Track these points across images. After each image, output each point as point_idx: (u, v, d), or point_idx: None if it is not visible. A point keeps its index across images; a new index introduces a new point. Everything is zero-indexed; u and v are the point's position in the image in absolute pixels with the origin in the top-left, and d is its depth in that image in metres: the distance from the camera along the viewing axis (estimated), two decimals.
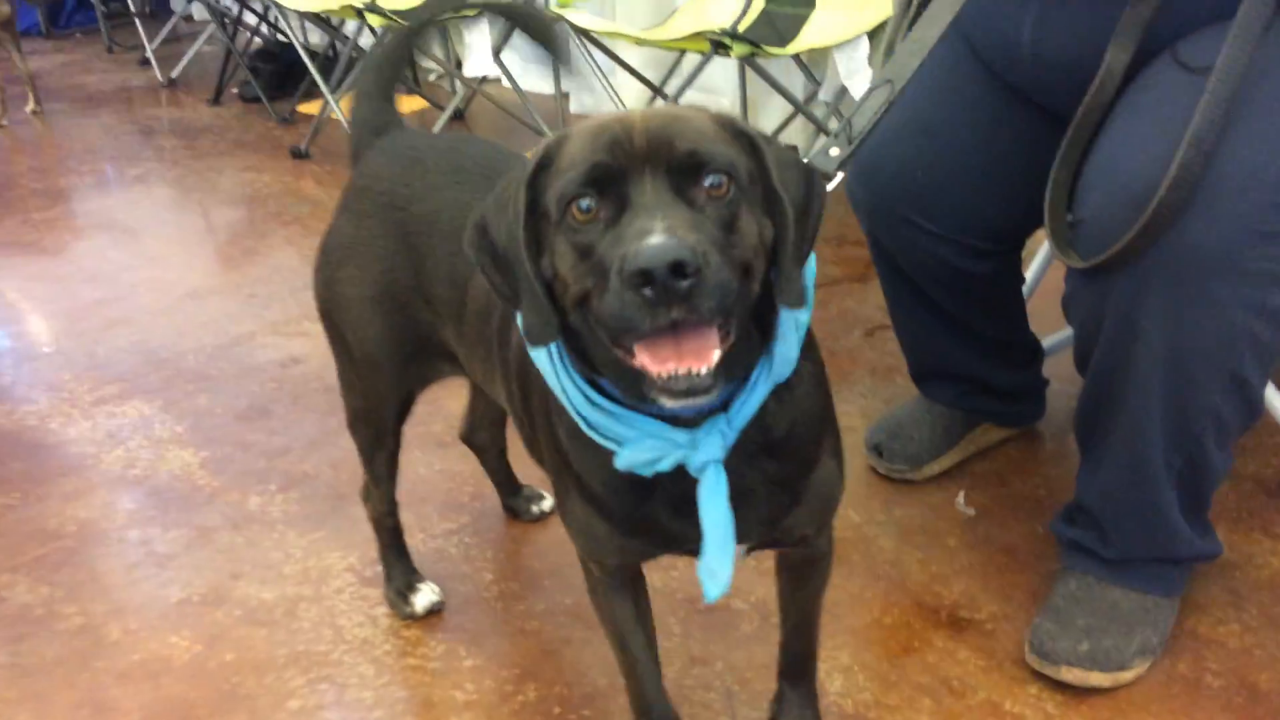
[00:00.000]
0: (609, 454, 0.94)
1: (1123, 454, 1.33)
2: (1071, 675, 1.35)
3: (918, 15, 1.58)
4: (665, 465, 0.91)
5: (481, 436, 1.71)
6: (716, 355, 0.79)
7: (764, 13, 2.82)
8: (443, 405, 2.04)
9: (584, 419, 0.93)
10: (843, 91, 2.71)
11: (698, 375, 0.79)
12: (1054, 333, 2.00)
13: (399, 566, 1.58)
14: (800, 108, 2.86)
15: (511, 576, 1.64)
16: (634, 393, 0.88)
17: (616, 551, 1.07)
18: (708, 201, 0.81)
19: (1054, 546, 1.56)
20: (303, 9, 3.39)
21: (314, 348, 2.37)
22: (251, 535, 1.77)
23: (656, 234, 0.75)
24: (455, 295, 1.24)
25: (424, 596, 1.56)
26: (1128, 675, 1.36)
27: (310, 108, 4.09)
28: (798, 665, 1.29)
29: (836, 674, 1.42)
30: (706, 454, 0.91)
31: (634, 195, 0.80)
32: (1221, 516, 1.62)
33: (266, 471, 1.94)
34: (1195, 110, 1.10)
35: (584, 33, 2.71)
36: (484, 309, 1.18)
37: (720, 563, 0.93)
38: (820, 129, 2.85)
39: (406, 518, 1.61)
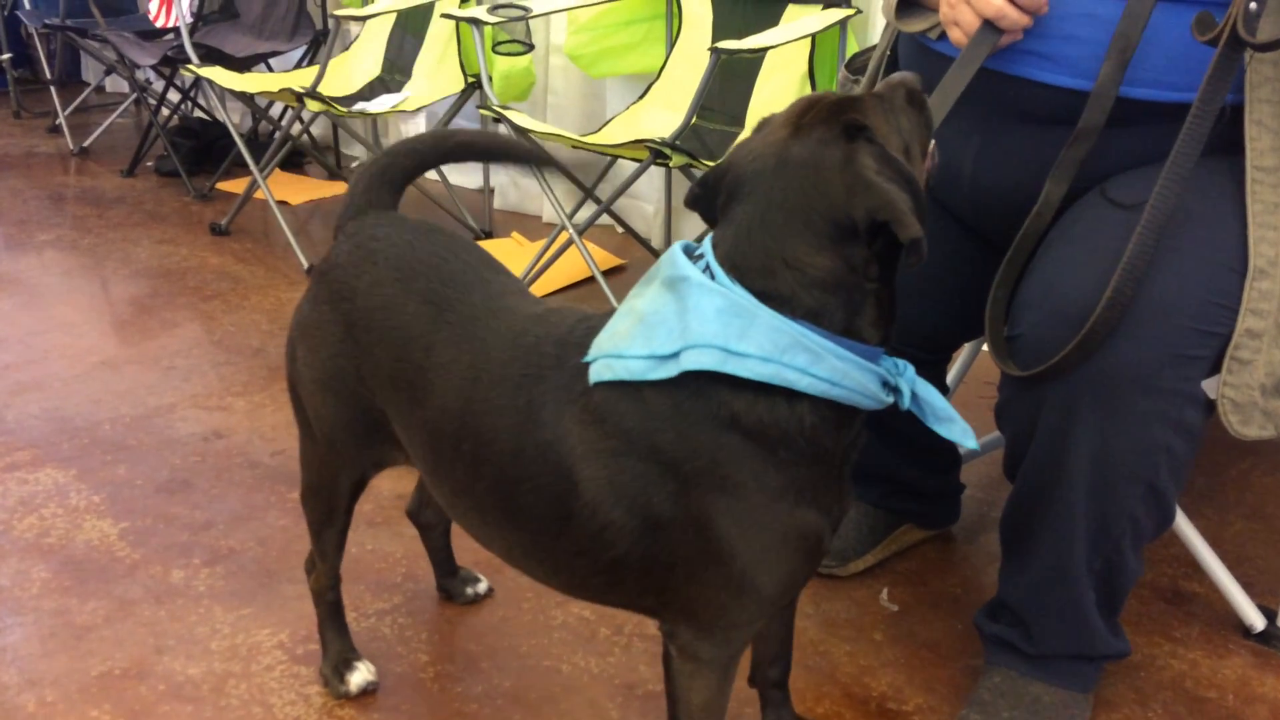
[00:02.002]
0: (824, 460, 1.08)
1: (1048, 555, 1.42)
2: None
3: None
4: (906, 388, 1.10)
5: (429, 514, 1.72)
6: None
7: (694, 128, 2.96)
8: (373, 485, 2.01)
9: (884, 379, 1.08)
10: None
11: None
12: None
13: (337, 643, 1.57)
14: None
15: (448, 658, 1.64)
16: (881, 328, 1.07)
17: (803, 582, 1.18)
18: None
19: (974, 642, 1.64)
20: (239, 89, 3.41)
21: (237, 423, 2.35)
22: (175, 609, 1.73)
23: None
24: (398, 407, 1.25)
25: (359, 675, 1.55)
26: None
27: (231, 185, 4.07)
28: (785, 674, 1.43)
29: None
30: (911, 370, 1.11)
31: None
32: (1125, 621, 1.72)
33: (190, 545, 1.90)
34: (1128, 240, 1.23)
35: (523, 132, 2.80)
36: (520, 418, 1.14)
37: (963, 422, 1.13)
38: None
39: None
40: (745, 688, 1.53)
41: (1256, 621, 1.71)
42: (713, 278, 1.05)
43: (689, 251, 1.10)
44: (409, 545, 1.86)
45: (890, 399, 1.10)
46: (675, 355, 1.04)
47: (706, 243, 1.09)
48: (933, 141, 1.16)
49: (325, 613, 1.56)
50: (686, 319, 1.04)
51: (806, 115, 1.07)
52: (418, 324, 1.23)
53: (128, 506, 2.02)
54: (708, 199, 1.12)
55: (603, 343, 1.10)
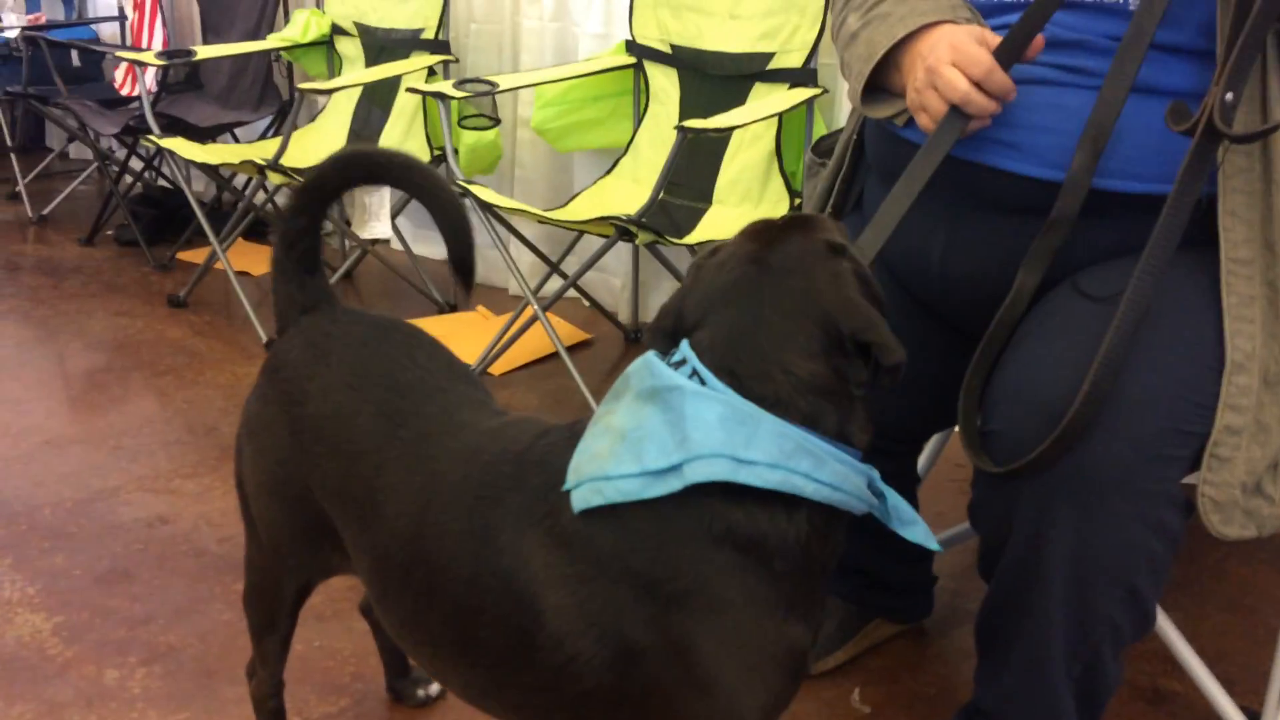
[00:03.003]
0: (810, 571, 1.03)
1: (1025, 660, 1.36)
2: None
3: (836, 216, 1.68)
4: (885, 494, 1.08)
5: None
6: None
7: (661, 204, 2.94)
8: None
9: (872, 488, 1.06)
10: None
11: None
12: (942, 528, 2.07)
13: None
14: None
15: None
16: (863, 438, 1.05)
17: (786, 704, 1.10)
18: None
19: None
20: (200, 160, 3.36)
21: (184, 507, 2.26)
22: (107, 714, 1.63)
23: None
24: (346, 523, 1.18)
25: None
26: None
27: (191, 256, 4.01)
28: None
29: None
30: (876, 474, 1.07)
31: None
32: None
33: (127, 642, 1.80)
34: (1103, 334, 1.19)
35: (489, 207, 2.77)
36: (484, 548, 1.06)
37: (924, 524, 1.12)
38: None
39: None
40: None
41: None
42: (703, 384, 1.00)
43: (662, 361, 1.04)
44: (359, 642, 1.77)
45: (877, 501, 1.07)
46: (674, 469, 0.97)
47: (685, 349, 1.03)
48: None
49: None
50: (685, 429, 0.98)
51: (770, 232, 1.06)
52: (369, 438, 1.16)
53: (63, 599, 1.92)
54: (672, 329, 1.07)
55: (582, 467, 1.02)
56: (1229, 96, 1.16)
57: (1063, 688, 1.35)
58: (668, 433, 0.98)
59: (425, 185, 1.24)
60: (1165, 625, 1.64)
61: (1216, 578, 2.10)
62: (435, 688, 1.69)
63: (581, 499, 1.00)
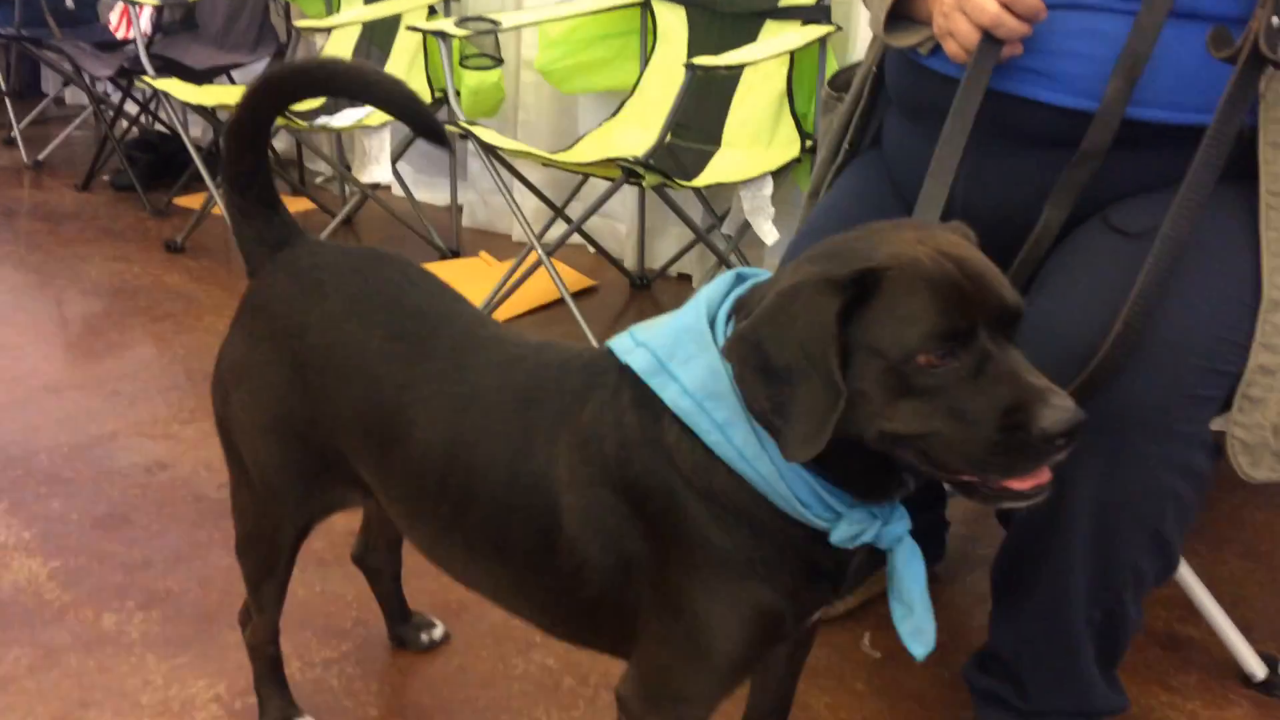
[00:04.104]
0: (790, 549, 0.98)
1: (1044, 606, 1.32)
2: None
3: (845, 164, 1.63)
4: (868, 537, 0.97)
5: (376, 558, 1.60)
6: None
7: (669, 147, 2.87)
8: (327, 520, 1.91)
9: (807, 503, 0.95)
10: (745, 227, 2.76)
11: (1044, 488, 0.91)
12: None
13: (276, 700, 1.45)
14: (703, 237, 2.90)
15: (398, 712, 1.52)
16: (857, 486, 0.96)
17: (755, 658, 1.07)
18: None
19: (961, 693, 1.53)
20: (196, 103, 3.29)
21: (182, 452, 2.22)
22: (105, 659, 1.60)
23: (1058, 396, 0.86)
24: (368, 449, 1.16)
25: None
26: None
27: (188, 201, 3.94)
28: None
29: None
30: (900, 527, 1.00)
31: (984, 352, 0.87)
32: (1120, 669, 1.62)
33: (125, 586, 1.77)
34: (1134, 271, 1.14)
35: (492, 149, 2.70)
36: (498, 458, 1.07)
37: (927, 621, 1.03)
38: (721, 260, 2.89)
39: (284, 644, 1.47)
40: None
41: (1257, 670, 1.62)
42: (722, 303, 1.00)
43: (743, 276, 1.03)
44: (361, 586, 1.74)
45: (820, 524, 0.96)
46: (639, 345, 1.00)
47: (766, 274, 1.01)
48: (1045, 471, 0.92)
49: (263, 668, 1.44)
50: (662, 322, 1.01)
51: (914, 239, 0.92)
52: (387, 362, 1.14)
53: (60, 544, 1.88)
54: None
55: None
56: (1275, 20, 1.10)
57: (1082, 633, 1.32)
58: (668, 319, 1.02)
59: (355, 80, 1.21)
60: (1183, 571, 1.61)
61: (1234, 524, 2.06)
62: (439, 631, 1.66)
63: (617, 346, 1.03)
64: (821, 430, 0.87)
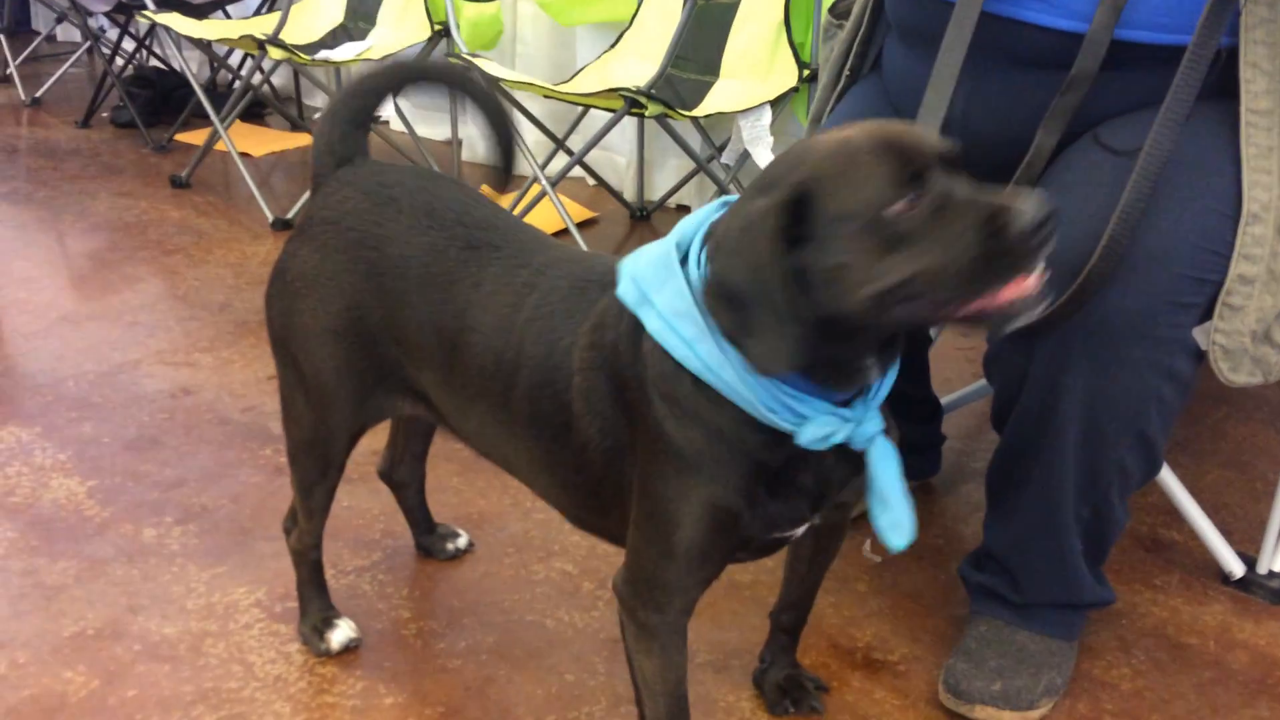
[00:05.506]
0: (742, 453, 1.05)
1: (1036, 505, 1.42)
2: (984, 714, 1.42)
3: (846, 89, 1.68)
4: (838, 438, 1.04)
5: (401, 472, 1.68)
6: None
7: (667, 78, 2.91)
8: None
9: (772, 408, 1.01)
10: (745, 156, 2.81)
11: (1036, 295, 0.95)
12: (949, 392, 2.12)
13: (317, 602, 1.54)
14: (704, 167, 2.95)
15: (429, 614, 1.62)
16: (833, 381, 1.02)
17: (722, 560, 1.15)
18: None
19: (957, 592, 1.64)
20: (197, 37, 3.31)
21: (204, 378, 2.29)
22: (148, 568, 1.69)
23: (1022, 199, 0.91)
24: (440, 344, 1.25)
25: (341, 633, 1.52)
26: (1035, 714, 1.43)
27: (190, 136, 3.97)
28: (799, 624, 1.43)
29: (761, 712, 1.45)
30: (872, 427, 1.07)
31: (943, 187, 0.94)
32: (1107, 569, 1.72)
33: (161, 503, 1.86)
34: (1122, 187, 1.21)
35: (494, 81, 2.74)
36: (511, 365, 1.20)
37: (904, 514, 1.10)
38: (721, 190, 2.94)
39: None
40: (734, 640, 1.53)
41: (1236, 568, 1.72)
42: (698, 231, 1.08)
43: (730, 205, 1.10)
44: (386, 501, 1.83)
45: (785, 426, 1.03)
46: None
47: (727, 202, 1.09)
48: (1028, 280, 0.95)
49: (306, 573, 1.52)
50: (644, 253, 1.09)
51: (857, 135, 0.97)
52: (463, 267, 1.24)
53: (95, 464, 1.97)
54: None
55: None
56: None
57: (1071, 530, 1.41)
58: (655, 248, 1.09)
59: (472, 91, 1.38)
60: (1167, 478, 1.70)
61: (1216, 436, 2.16)
62: (464, 540, 1.75)
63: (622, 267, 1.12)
64: (784, 345, 0.94)
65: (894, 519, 1.10)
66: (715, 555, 1.14)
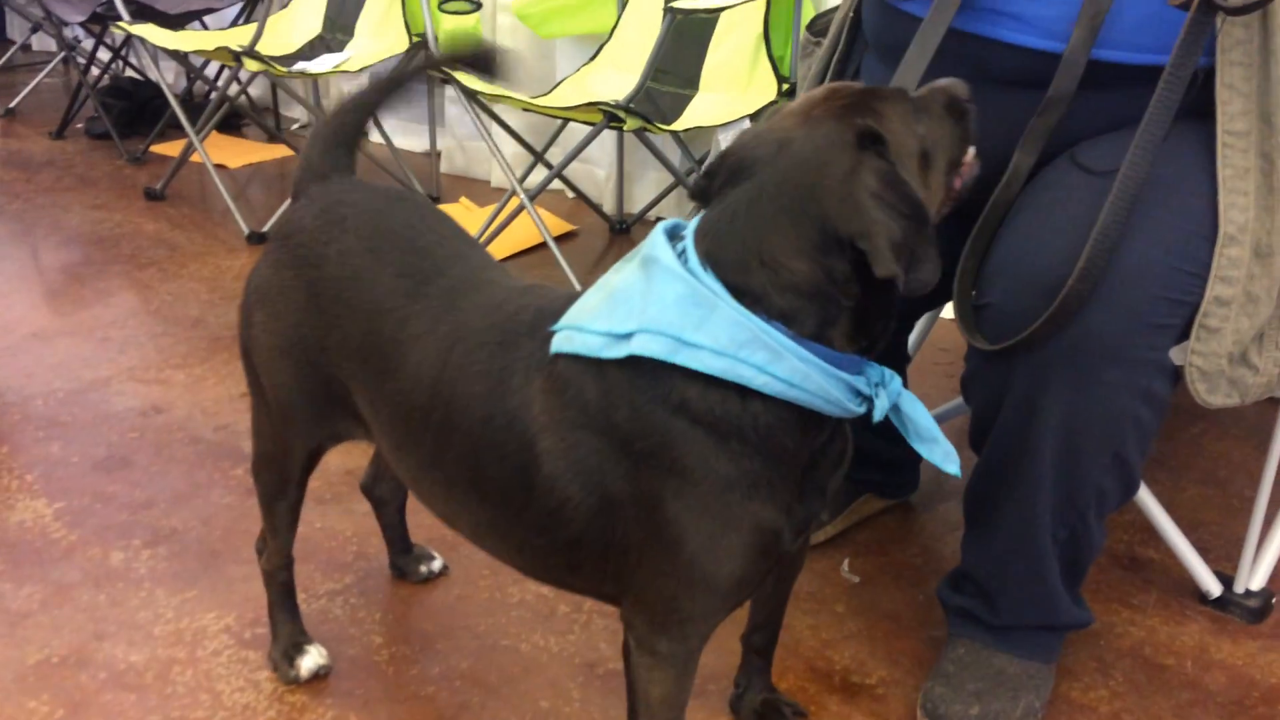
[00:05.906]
0: (794, 463, 1.06)
1: (1013, 526, 1.40)
2: None
3: None
4: (894, 398, 1.10)
5: (383, 489, 1.66)
6: None
7: (647, 91, 2.90)
8: (322, 461, 1.96)
9: (851, 393, 1.04)
10: None
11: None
12: (927, 409, 2.11)
13: (288, 626, 1.51)
14: (683, 180, 2.94)
15: (402, 639, 1.59)
16: (867, 341, 1.05)
17: (760, 583, 1.17)
18: None
19: (936, 613, 1.62)
20: (173, 48, 3.28)
21: (177, 397, 2.26)
22: (115, 593, 1.66)
23: (946, 82, 1.15)
24: (367, 379, 1.21)
25: (310, 659, 1.50)
26: None
27: (165, 148, 3.94)
28: (770, 644, 1.42)
29: None
30: (897, 383, 1.10)
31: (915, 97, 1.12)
32: (1084, 589, 1.71)
33: (129, 525, 1.83)
34: (1099, 208, 1.20)
35: (473, 94, 2.73)
36: (482, 397, 1.12)
37: (950, 446, 1.14)
38: None
39: None
40: (711, 663, 1.51)
41: (1213, 588, 1.72)
42: (687, 263, 1.02)
43: (675, 231, 1.07)
44: (360, 522, 1.81)
45: (861, 409, 1.07)
46: (627, 336, 1.02)
47: (691, 225, 1.05)
48: (971, 151, 1.14)
49: (276, 595, 1.50)
50: (647, 301, 1.02)
51: (819, 106, 1.03)
52: (392, 297, 1.20)
53: (63, 485, 1.94)
54: (704, 189, 1.08)
55: (571, 314, 1.08)
56: None
57: (1049, 551, 1.40)
58: (639, 300, 1.03)
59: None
60: (1144, 496, 1.69)
61: (1193, 453, 2.16)
62: (438, 563, 1.73)
63: (557, 342, 1.07)
64: (937, 256, 1.00)
65: (945, 450, 1.13)
66: (755, 578, 1.13)
